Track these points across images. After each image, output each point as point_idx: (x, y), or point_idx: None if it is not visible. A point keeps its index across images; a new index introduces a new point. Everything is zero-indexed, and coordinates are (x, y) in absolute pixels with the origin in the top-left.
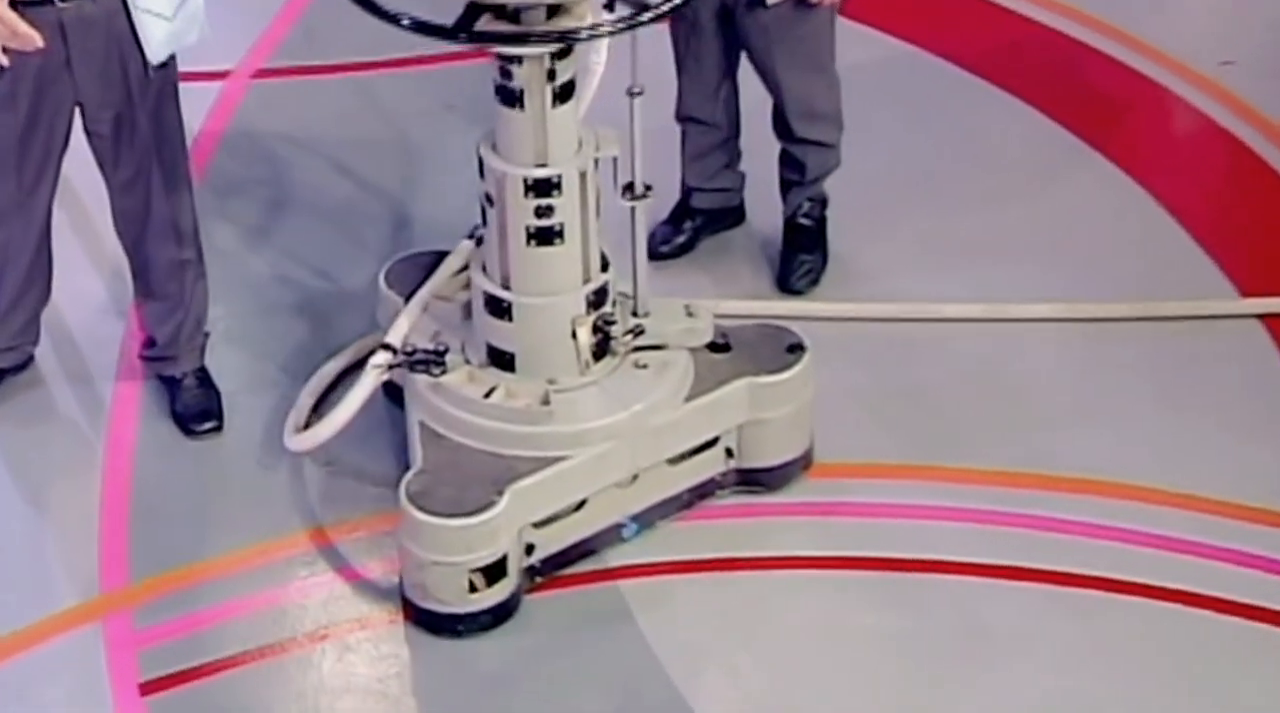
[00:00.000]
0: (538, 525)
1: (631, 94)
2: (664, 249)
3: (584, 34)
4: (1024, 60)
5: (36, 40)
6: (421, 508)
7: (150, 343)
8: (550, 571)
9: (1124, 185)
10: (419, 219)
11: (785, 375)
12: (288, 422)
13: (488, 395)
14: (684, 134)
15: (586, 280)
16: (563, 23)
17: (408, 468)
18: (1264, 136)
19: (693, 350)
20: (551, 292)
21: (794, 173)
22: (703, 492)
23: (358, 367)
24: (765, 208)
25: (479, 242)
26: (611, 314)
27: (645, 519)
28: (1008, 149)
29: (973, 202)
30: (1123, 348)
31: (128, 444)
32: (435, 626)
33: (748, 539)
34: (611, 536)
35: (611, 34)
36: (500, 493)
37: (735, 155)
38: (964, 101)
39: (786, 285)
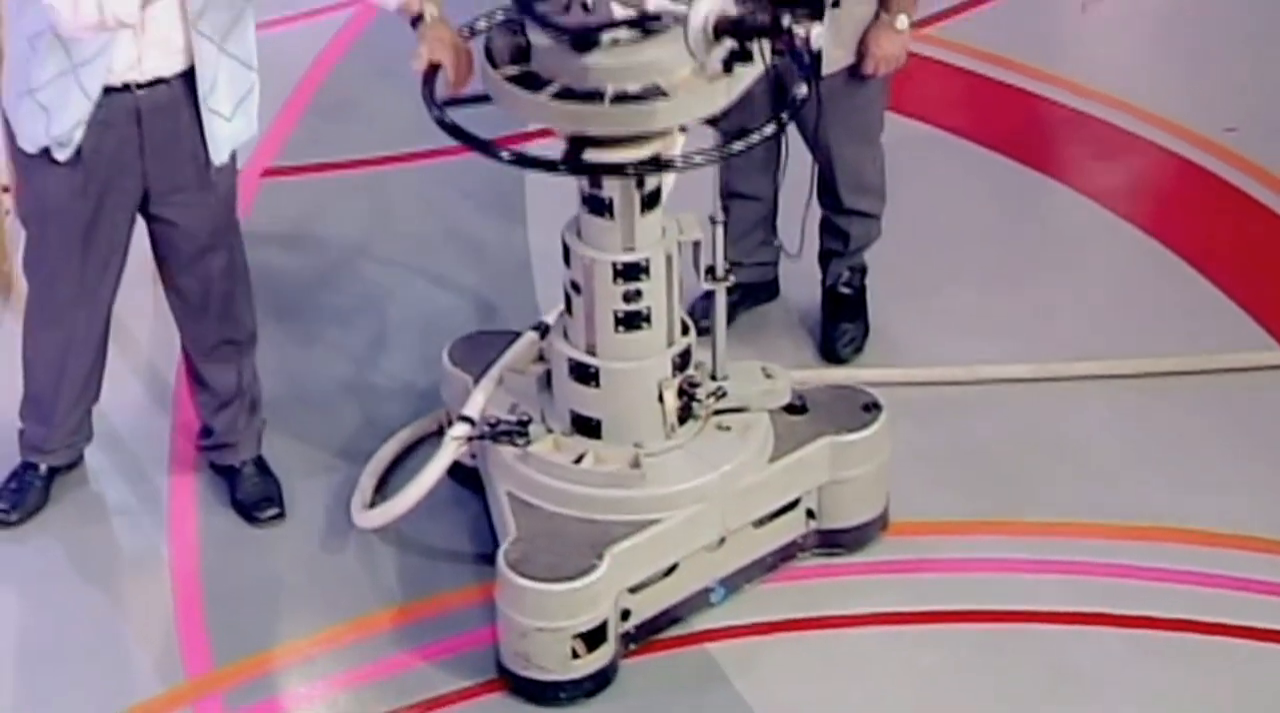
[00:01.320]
0: (633, 590)
1: (714, 221)
2: (705, 323)
3: (680, 164)
4: (1038, 134)
5: None
6: (524, 574)
7: (207, 432)
8: (644, 636)
9: (1153, 250)
10: (445, 307)
11: (865, 434)
12: (353, 501)
13: (577, 461)
14: (726, 210)
15: (670, 344)
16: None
17: (489, 540)
18: (1277, 194)
19: (771, 412)
20: (638, 356)
21: (837, 243)
22: (785, 554)
23: (412, 448)
24: (794, 278)
25: (543, 333)
26: (695, 377)
27: (732, 583)
28: (1034, 220)
29: (1006, 270)
30: (1171, 401)
31: (190, 534)
32: (537, 695)
33: (833, 599)
34: (700, 600)
35: (707, 163)
36: (600, 557)
37: (773, 229)
38: (980, 175)
39: (831, 354)
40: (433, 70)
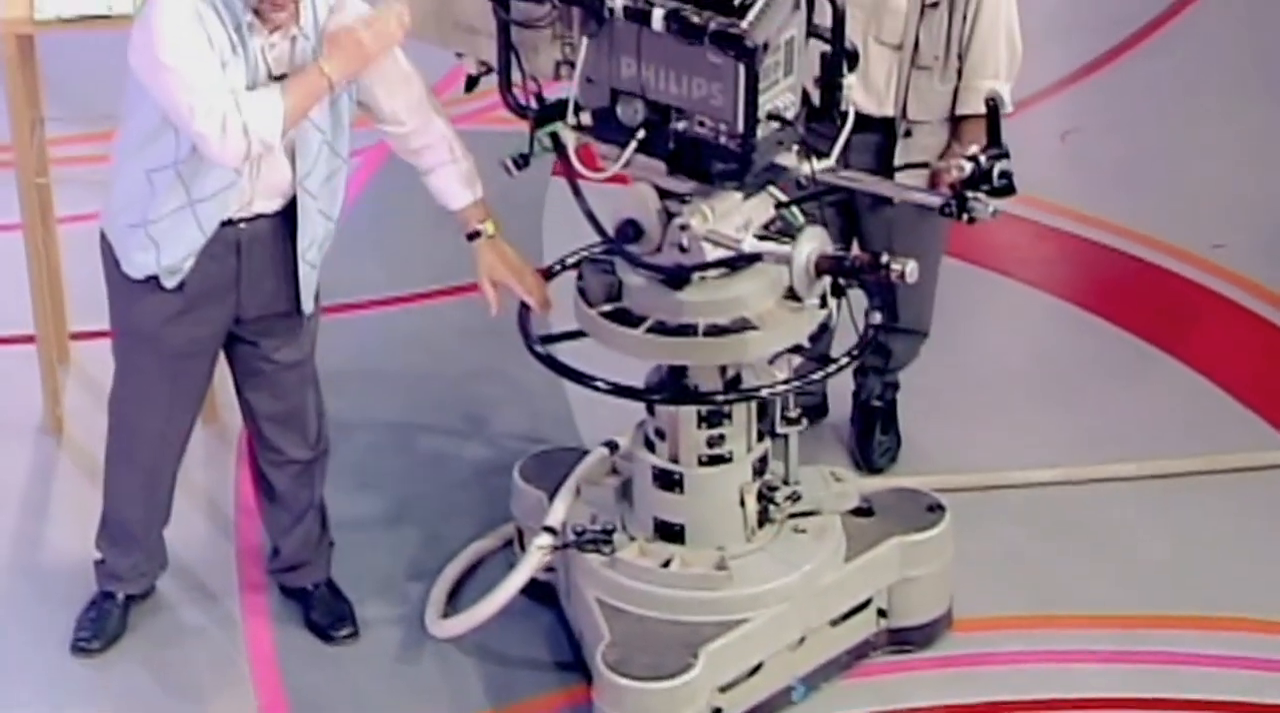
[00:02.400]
0: (723, 689)
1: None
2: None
3: (765, 392)
4: (1041, 259)
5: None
6: (625, 675)
7: (276, 554)
8: None
9: (1164, 361)
10: (480, 435)
11: (931, 534)
12: (427, 615)
13: (665, 565)
14: None
15: (749, 449)
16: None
17: (566, 648)
18: (1271, 305)
19: (841, 515)
20: (720, 461)
21: (879, 359)
22: (859, 652)
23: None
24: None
25: (613, 449)
26: (773, 481)
27: (811, 681)
28: (1045, 342)
29: (1026, 384)
30: (1200, 498)
31: (269, 653)
32: None
33: (906, 694)
34: (783, 698)
35: (788, 390)
36: (695, 656)
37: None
38: (994, 301)
39: (868, 464)
40: (525, 309)
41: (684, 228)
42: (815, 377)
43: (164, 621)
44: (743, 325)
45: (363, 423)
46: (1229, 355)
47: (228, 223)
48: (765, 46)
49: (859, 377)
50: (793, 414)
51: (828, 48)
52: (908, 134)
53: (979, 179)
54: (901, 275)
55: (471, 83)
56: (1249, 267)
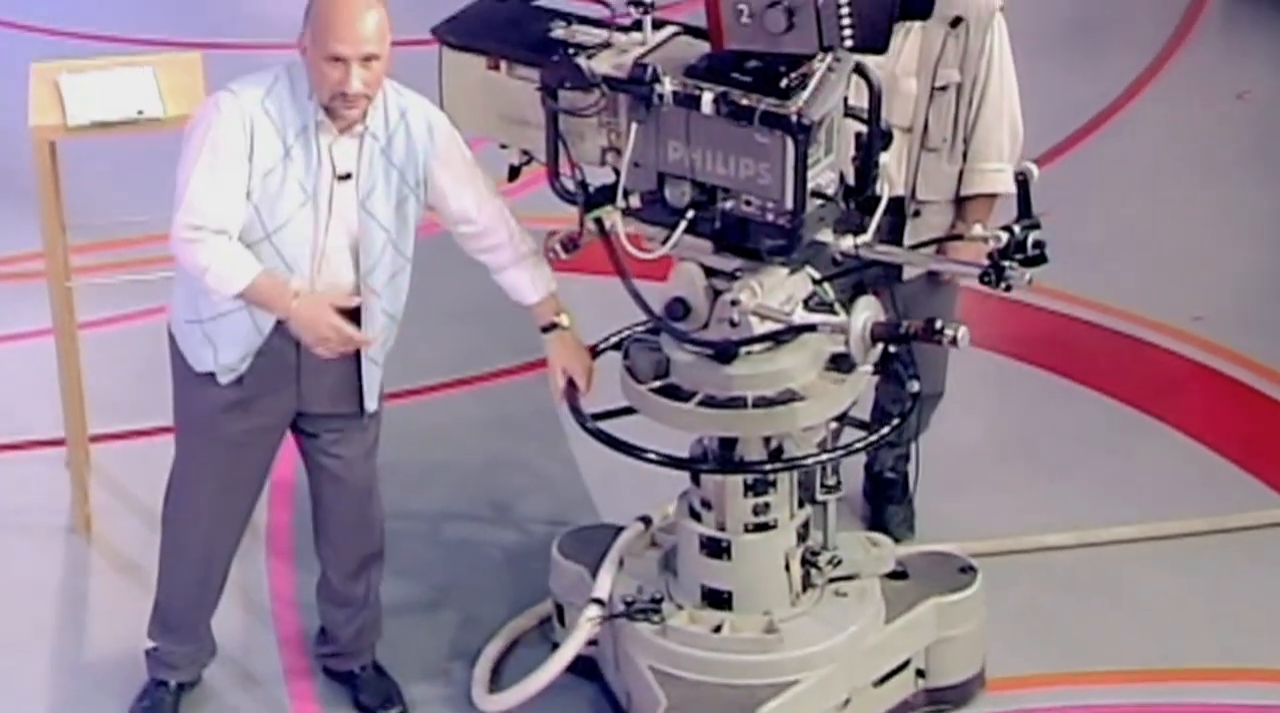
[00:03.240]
0: None
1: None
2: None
3: (811, 461)
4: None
5: (368, 340)
6: None
7: (326, 640)
8: None
9: (1160, 430)
10: (505, 521)
11: (966, 594)
12: (474, 693)
13: (716, 631)
14: None
15: (792, 516)
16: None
17: None
18: (1253, 372)
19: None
20: (766, 528)
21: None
22: (901, 712)
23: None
24: None
25: (647, 523)
26: (815, 546)
27: None
28: (1042, 414)
29: (1028, 456)
30: (1208, 557)
31: None
32: None
33: None
34: None
35: (834, 458)
36: None
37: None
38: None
39: (887, 533)
40: (572, 385)
41: (734, 303)
42: (859, 446)
43: (214, 708)
44: (790, 396)
45: (392, 513)
46: (1219, 421)
47: (286, 331)
48: (820, 123)
49: (872, 450)
50: (831, 481)
51: (861, 127)
52: (916, 214)
53: (1014, 248)
54: (954, 341)
55: (514, 172)
56: (1228, 337)
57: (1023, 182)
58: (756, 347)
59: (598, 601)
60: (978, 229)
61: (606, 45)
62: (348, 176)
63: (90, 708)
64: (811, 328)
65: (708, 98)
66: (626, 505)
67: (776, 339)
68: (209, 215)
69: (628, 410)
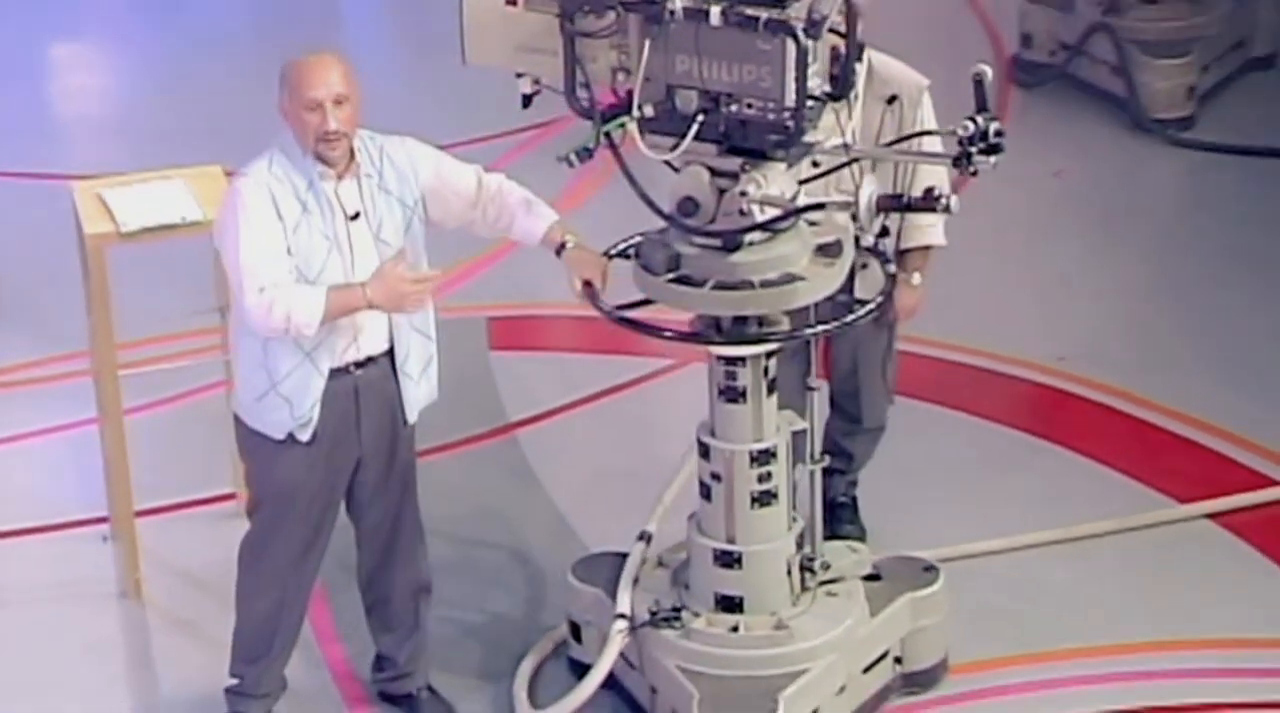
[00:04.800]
0: None
1: (810, 388)
2: None
3: (807, 333)
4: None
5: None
6: None
7: (381, 665)
8: None
9: (1051, 450)
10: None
11: (932, 589)
12: (517, 705)
13: (734, 630)
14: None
15: (789, 528)
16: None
17: None
18: (1115, 397)
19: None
20: (770, 539)
21: (842, 462)
22: (882, 697)
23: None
24: None
25: (646, 539)
26: (810, 553)
27: None
28: (952, 445)
29: (948, 480)
30: (1115, 550)
31: None
32: None
33: None
34: None
35: (826, 331)
36: (776, 702)
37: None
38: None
39: None
40: (589, 285)
41: (743, 194)
42: (848, 320)
43: None
44: (791, 278)
45: None
46: (1098, 439)
47: (344, 371)
48: (819, 24)
49: (825, 478)
50: (817, 455)
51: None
52: (864, 267)
53: (978, 136)
54: (948, 207)
55: (527, 101)
56: (1089, 371)
57: (979, 81)
58: (756, 237)
59: (622, 616)
60: (916, 278)
61: None
62: (357, 216)
63: None
64: (821, 206)
65: (715, 10)
66: (603, 527)
67: (772, 228)
68: (266, 275)
69: (646, 302)
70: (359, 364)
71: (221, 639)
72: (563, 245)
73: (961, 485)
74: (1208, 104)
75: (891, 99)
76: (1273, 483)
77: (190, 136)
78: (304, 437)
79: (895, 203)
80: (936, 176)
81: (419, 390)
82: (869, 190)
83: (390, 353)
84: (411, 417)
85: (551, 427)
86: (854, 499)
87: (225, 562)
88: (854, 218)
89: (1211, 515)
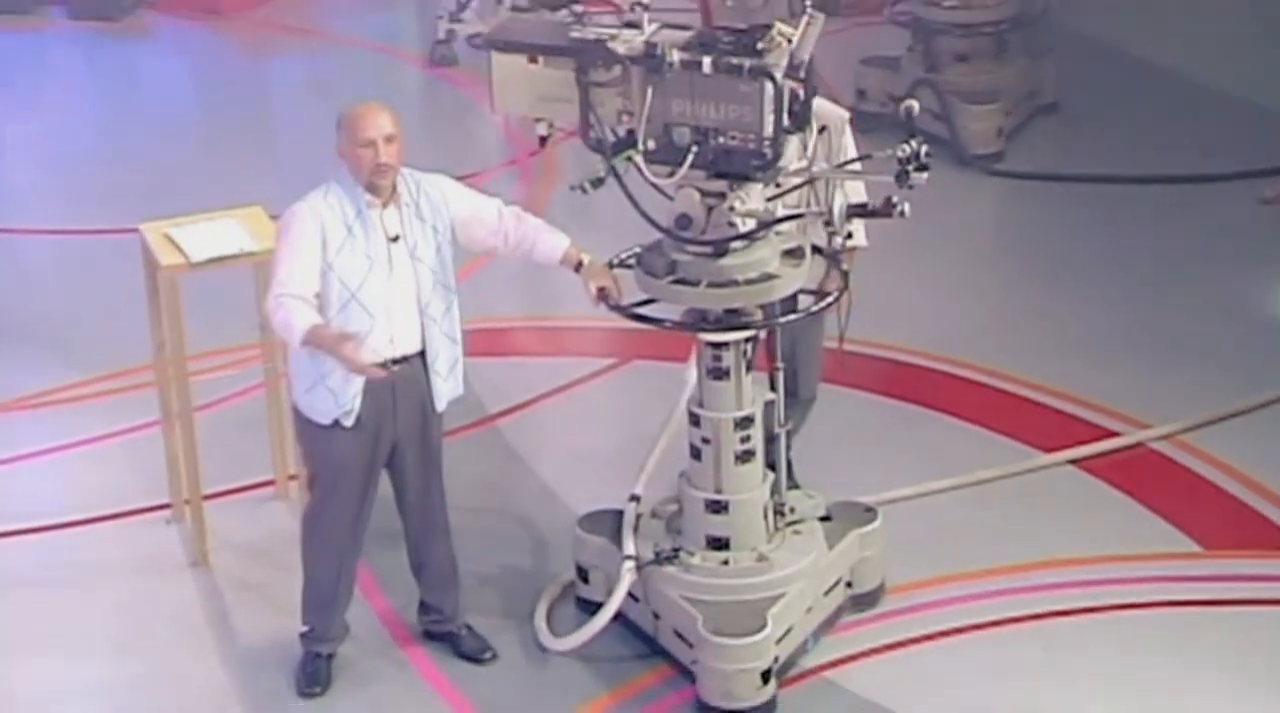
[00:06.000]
0: (776, 643)
1: (778, 368)
2: None
3: (783, 320)
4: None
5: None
6: (728, 635)
7: (426, 610)
8: (782, 673)
9: (938, 418)
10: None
11: (873, 526)
12: (542, 639)
13: (724, 564)
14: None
15: (764, 480)
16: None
17: (639, 644)
18: (988, 376)
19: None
20: (750, 489)
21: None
22: (838, 614)
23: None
24: None
25: (635, 499)
26: (780, 500)
27: (816, 636)
28: (855, 416)
29: (853, 443)
30: (1002, 492)
31: (441, 678)
32: None
33: (872, 638)
34: (801, 649)
35: (795, 318)
36: (765, 619)
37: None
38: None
39: None
40: (603, 291)
41: (731, 208)
42: (815, 309)
43: (355, 669)
44: (767, 277)
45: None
46: (973, 407)
47: (381, 367)
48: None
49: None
50: (782, 420)
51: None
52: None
53: (912, 157)
54: (903, 213)
55: (543, 142)
56: (967, 355)
57: (909, 112)
58: (738, 244)
59: (630, 557)
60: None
61: (613, 38)
62: (397, 238)
63: (262, 680)
64: (800, 216)
65: (707, 61)
66: (584, 494)
67: (751, 238)
68: (289, 286)
69: (650, 301)
70: (395, 361)
71: (282, 598)
72: (580, 263)
73: (873, 445)
74: (1011, 142)
75: (822, 129)
76: (1113, 433)
77: (140, 197)
78: (348, 422)
79: (861, 211)
80: (857, 193)
81: (447, 385)
82: (840, 201)
83: (422, 353)
84: (440, 406)
85: (525, 418)
86: (790, 462)
87: (273, 535)
88: (827, 223)
89: (1072, 461)
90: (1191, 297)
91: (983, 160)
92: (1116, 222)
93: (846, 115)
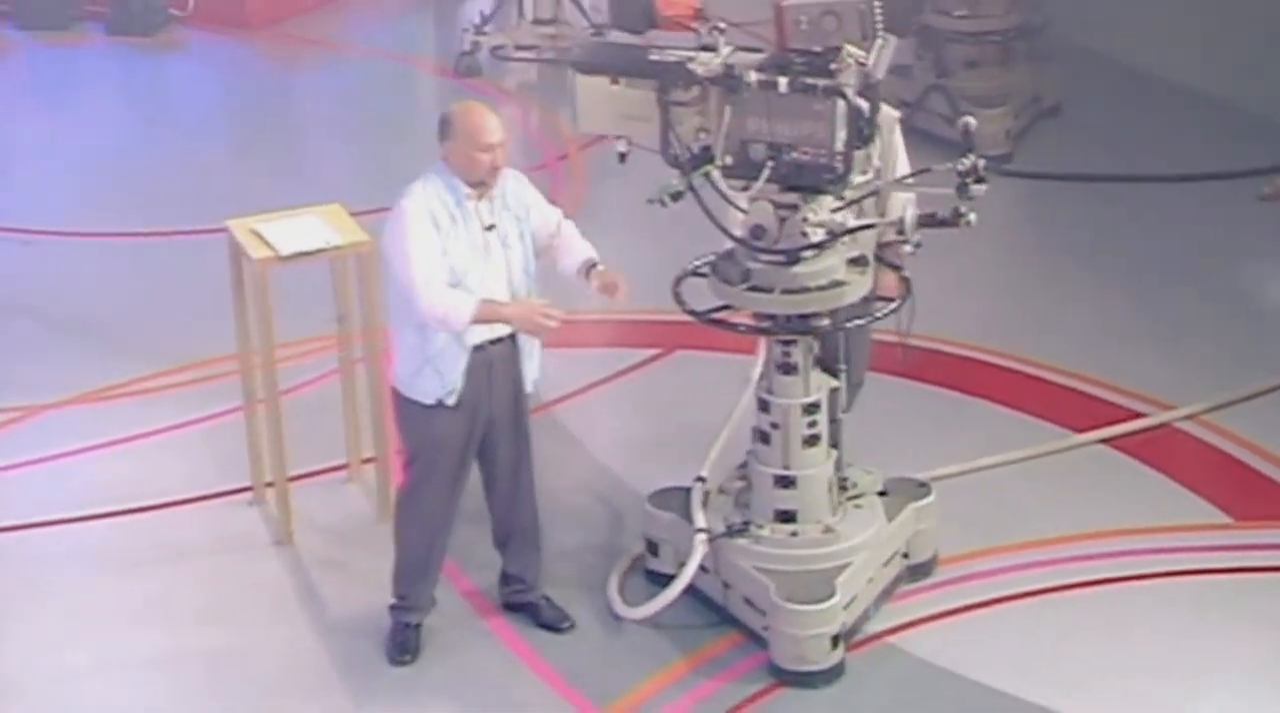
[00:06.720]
0: (844, 609)
1: (838, 373)
2: None
3: (851, 324)
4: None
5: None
6: (801, 601)
7: (508, 583)
8: (848, 638)
9: (979, 404)
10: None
11: (928, 501)
12: (616, 609)
13: (793, 535)
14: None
15: (828, 457)
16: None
17: (710, 615)
18: (1020, 363)
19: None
20: (816, 465)
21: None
22: (896, 583)
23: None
24: None
25: (703, 480)
26: (844, 475)
27: (877, 605)
28: (903, 400)
29: (913, 423)
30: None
31: (524, 647)
32: (810, 682)
33: (930, 605)
34: (864, 616)
35: (865, 323)
36: (833, 586)
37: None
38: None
39: None
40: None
41: (804, 219)
42: (880, 314)
43: (442, 638)
44: (837, 283)
45: None
46: (1007, 391)
47: (481, 348)
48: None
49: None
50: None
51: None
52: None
53: (972, 171)
54: (969, 222)
55: (622, 158)
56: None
57: (967, 129)
58: (808, 253)
59: (702, 530)
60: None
61: (692, 60)
62: (491, 227)
63: (354, 648)
64: (873, 226)
65: (783, 81)
66: (642, 475)
67: (820, 247)
68: (432, 277)
69: (725, 307)
70: (493, 342)
71: (367, 573)
72: (594, 264)
73: (917, 427)
74: (1018, 144)
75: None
76: (1140, 414)
77: (183, 202)
78: (451, 402)
79: (930, 220)
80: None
81: (532, 365)
82: (912, 212)
83: (513, 335)
84: (529, 386)
85: (580, 405)
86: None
87: (349, 516)
88: (899, 232)
89: (1103, 440)
90: (1200, 288)
91: (993, 161)
92: (1124, 218)
93: (897, 115)
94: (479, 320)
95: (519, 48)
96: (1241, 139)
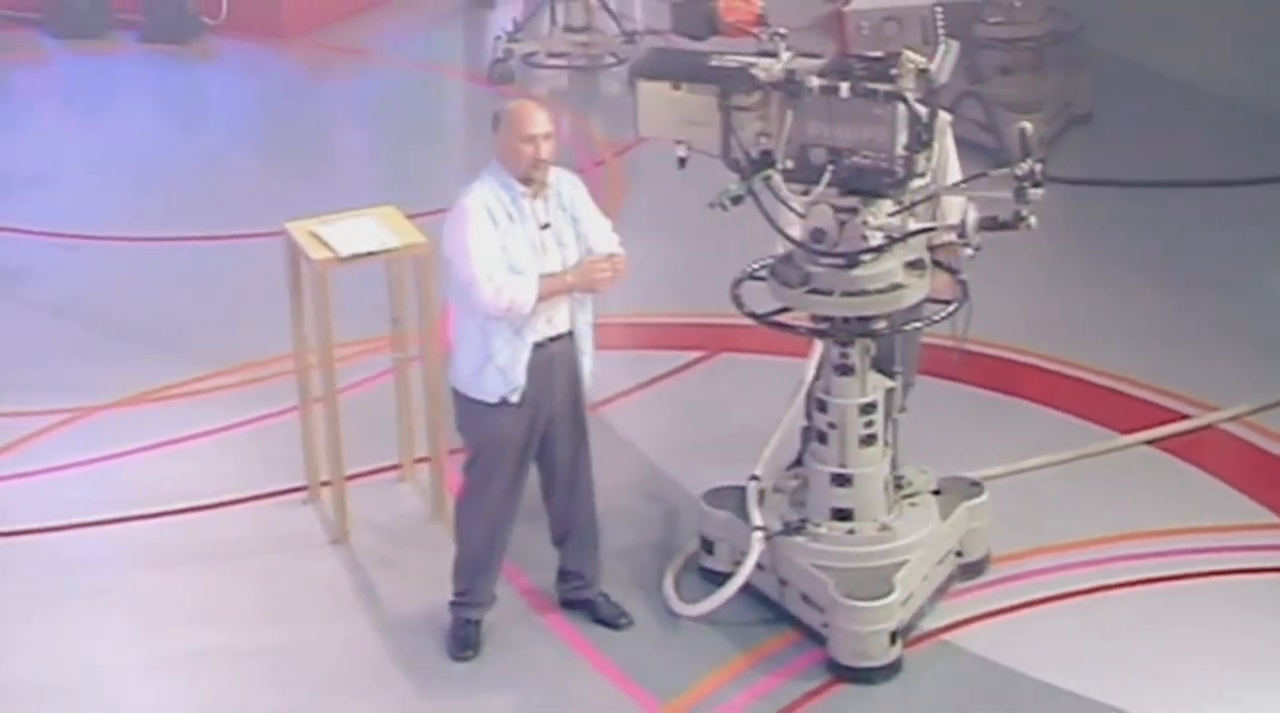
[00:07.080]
0: (901, 606)
1: (896, 374)
2: None
3: (909, 327)
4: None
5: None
6: (861, 599)
7: (567, 579)
8: (904, 636)
9: (1022, 405)
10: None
11: (980, 500)
12: (672, 606)
13: (850, 534)
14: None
15: (884, 455)
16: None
17: (764, 611)
18: (1072, 367)
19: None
20: (871, 464)
21: None
22: (949, 582)
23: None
24: None
25: (755, 478)
26: (899, 474)
27: (931, 603)
28: (950, 402)
29: (947, 424)
30: (1086, 469)
31: (582, 641)
32: (869, 678)
33: (980, 604)
34: (920, 613)
35: (923, 324)
36: (892, 583)
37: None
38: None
39: None
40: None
41: (865, 223)
42: (937, 318)
43: (501, 635)
44: (896, 286)
45: None
46: (1054, 393)
47: (541, 346)
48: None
49: None
50: (900, 406)
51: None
52: None
53: (1030, 176)
54: (1029, 225)
55: (682, 163)
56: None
57: (1024, 133)
58: (867, 256)
59: (760, 528)
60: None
61: (752, 66)
62: (547, 226)
63: (414, 644)
64: (933, 229)
65: (844, 87)
66: (692, 472)
67: (879, 251)
68: (494, 272)
69: (784, 310)
70: (552, 339)
71: (424, 571)
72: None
73: (967, 428)
74: (1050, 150)
75: None
76: (1184, 416)
77: (224, 206)
78: (514, 399)
79: (992, 223)
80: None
81: (589, 361)
82: (973, 215)
83: (571, 332)
84: (587, 381)
85: (628, 406)
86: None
87: (402, 516)
88: (961, 236)
89: (1149, 441)
90: (1240, 291)
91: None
92: (1159, 223)
93: (949, 118)
94: (544, 295)
95: (551, 55)
96: (1265, 146)
